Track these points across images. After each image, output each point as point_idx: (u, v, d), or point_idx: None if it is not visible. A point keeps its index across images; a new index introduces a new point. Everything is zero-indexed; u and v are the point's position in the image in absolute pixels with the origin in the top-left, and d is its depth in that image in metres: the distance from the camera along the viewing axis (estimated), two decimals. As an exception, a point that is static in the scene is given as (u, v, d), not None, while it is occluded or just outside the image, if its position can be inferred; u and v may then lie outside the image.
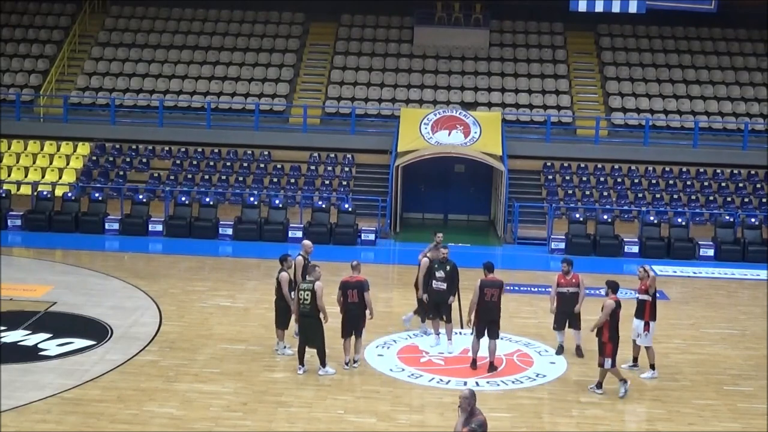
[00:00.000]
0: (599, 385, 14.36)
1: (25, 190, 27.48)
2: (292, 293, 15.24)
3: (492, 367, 15.10)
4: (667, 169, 29.40)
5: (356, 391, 14.13)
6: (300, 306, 14.57)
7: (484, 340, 15.13)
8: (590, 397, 14.22)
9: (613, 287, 14.51)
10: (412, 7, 34.31)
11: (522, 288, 20.88)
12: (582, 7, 28.90)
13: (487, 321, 15.02)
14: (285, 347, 15.67)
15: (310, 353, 14.79)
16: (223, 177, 28.72)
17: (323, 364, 14.67)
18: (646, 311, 15.10)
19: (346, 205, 26.48)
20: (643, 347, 15.25)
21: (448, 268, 16.00)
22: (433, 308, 16.19)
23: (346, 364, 15.09)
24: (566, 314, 15.92)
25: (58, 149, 29.63)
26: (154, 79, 32.23)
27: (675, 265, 24.32)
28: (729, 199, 28.26)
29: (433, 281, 16.03)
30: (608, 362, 14.14)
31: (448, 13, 33.99)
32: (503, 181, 27.21)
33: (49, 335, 16.13)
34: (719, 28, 34.25)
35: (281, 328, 15.69)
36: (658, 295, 15.80)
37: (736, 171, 29.33)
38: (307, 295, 14.41)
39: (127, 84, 32.01)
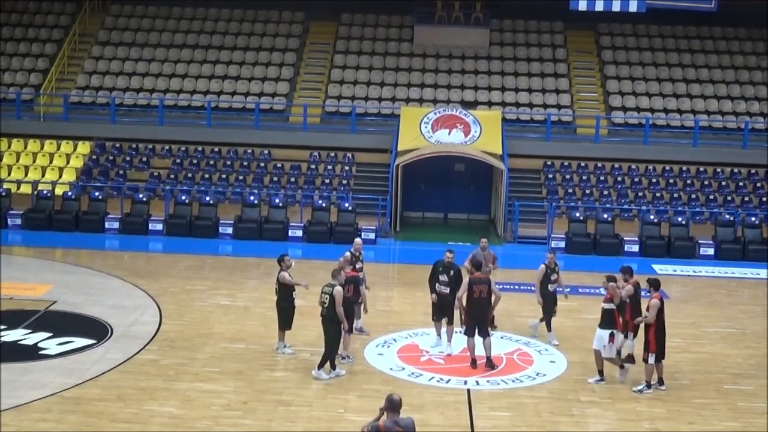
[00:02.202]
0: (661, 381, 14.44)
1: (26, 189, 27.47)
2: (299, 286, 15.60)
3: (489, 363, 15.09)
4: (668, 167, 29.40)
5: (356, 390, 14.13)
6: (321, 307, 14.55)
7: (479, 338, 15.14)
8: (590, 396, 14.22)
9: (655, 285, 14.44)
10: (412, 6, 34.30)
11: (522, 287, 20.84)
12: (582, 6, 28.90)
13: (476, 318, 15.04)
14: (285, 346, 15.67)
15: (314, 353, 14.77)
16: (223, 176, 28.72)
17: (320, 366, 14.53)
18: (615, 320, 14.60)
19: (346, 204, 26.48)
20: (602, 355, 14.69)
21: (452, 272, 15.96)
22: (437, 311, 16.18)
23: (342, 358, 15.29)
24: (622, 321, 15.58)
25: (58, 148, 29.64)
26: (154, 78, 32.22)
27: (675, 264, 24.32)
28: (729, 197, 28.26)
29: (437, 285, 16.01)
30: (652, 358, 14.24)
31: (448, 12, 33.97)
32: (503, 180, 27.20)
33: (49, 334, 16.12)
34: (719, 27, 34.25)
35: (282, 329, 15.68)
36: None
37: (736, 170, 29.34)
38: (326, 298, 14.35)
39: (127, 83, 32.00)
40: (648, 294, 14.49)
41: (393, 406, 9.41)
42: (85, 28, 34.14)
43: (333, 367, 14.61)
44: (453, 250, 16.39)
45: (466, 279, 15.47)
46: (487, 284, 15.06)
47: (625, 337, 15.26)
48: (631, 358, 15.19)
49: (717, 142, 30.09)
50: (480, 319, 15.04)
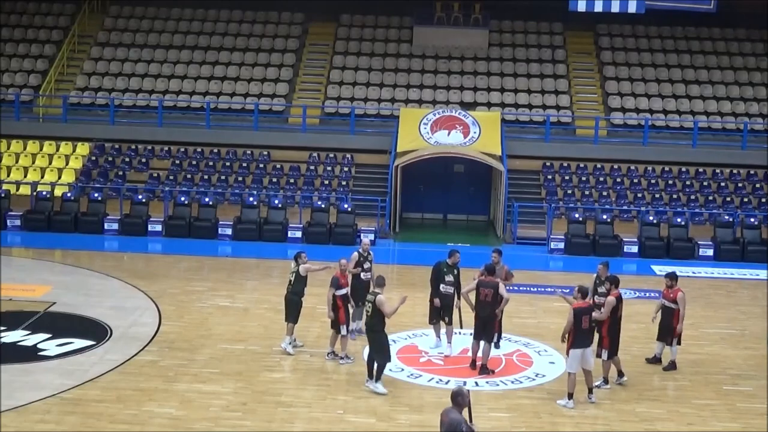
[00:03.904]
0: (621, 373, 14.59)
1: (25, 190, 27.45)
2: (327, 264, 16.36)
3: (484, 369, 15.04)
4: (667, 168, 29.40)
5: (356, 391, 14.13)
6: (366, 318, 14.43)
7: (482, 342, 15.11)
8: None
9: (615, 282, 14.66)
10: (412, 7, 34.31)
11: (521, 288, 20.84)
12: (581, 7, 28.92)
13: (482, 320, 15.00)
14: (289, 343, 15.63)
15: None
16: (223, 177, 28.72)
17: (376, 378, 14.16)
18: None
19: (346, 205, 26.47)
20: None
21: (456, 272, 15.99)
22: (435, 313, 16.17)
23: (327, 354, 15.44)
24: (664, 327, 15.53)
25: (58, 149, 29.62)
26: (153, 79, 32.22)
27: (674, 265, 24.10)
28: (728, 198, 28.26)
29: (442, 285, 15.98)
30: (605, 354, 14.41)
31: (447, 13, 33.98)
32: (502, 181, 27.21)
33: (48, 335, 16.13)
34: (718, 28, 34.27)
35: (291, 321, 15.68)
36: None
37: (735, 171, 29.35)
38: (369, 307, 14.22)
39: (126, 84, 32.00)
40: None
41: (451, 396, 9.49)
42: (85, 29, 34.14)
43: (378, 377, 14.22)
44: (458, 250, 16.32)
45: (475, 280, 15.44)
46: (494, 288, 14.97)
47: (669, 344, 15.56)
48: (673, 365, 15.53)
49: (716, 143, 30.10)
50: (485, 321, 15.01)
